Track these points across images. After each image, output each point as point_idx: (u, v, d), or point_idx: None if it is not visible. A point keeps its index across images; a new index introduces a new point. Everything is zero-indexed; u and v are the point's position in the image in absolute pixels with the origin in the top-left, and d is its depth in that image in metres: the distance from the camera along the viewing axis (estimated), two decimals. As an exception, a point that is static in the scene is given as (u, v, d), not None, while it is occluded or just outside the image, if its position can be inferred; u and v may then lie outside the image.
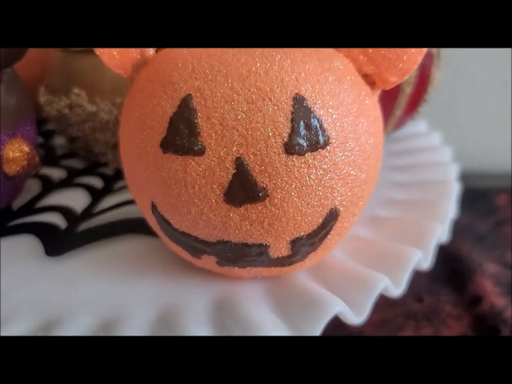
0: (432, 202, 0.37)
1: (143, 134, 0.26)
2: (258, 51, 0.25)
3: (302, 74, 0.25)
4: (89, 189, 0.42)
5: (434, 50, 0.44)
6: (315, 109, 0.24)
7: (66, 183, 0.43)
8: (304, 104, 0.24)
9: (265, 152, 0.24)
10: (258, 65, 0.24)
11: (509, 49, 0.76)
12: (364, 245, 0.34)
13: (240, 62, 0.25)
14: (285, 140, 0.24)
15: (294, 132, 0.24)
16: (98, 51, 0.27)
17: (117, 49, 0.27)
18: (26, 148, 0.34)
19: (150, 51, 0.28)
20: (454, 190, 0.39)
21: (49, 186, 0.42)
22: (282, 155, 0.24)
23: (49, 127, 0.53)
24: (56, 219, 0.37)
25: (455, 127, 0.82)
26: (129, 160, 0.28)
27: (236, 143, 0.24)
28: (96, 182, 0.43)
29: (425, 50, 0.27)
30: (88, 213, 0.38)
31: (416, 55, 0.27)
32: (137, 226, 0.35)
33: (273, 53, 0.25)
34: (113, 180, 0.43)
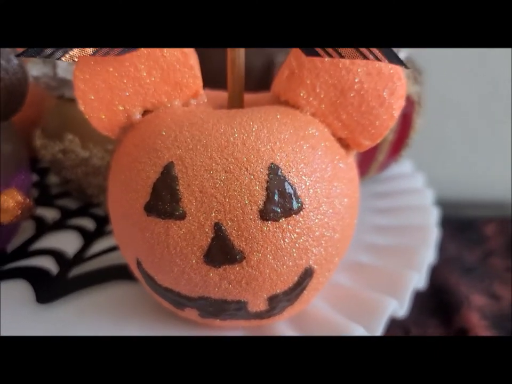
0: (411, 249, 0.39)
1: (129, 196, 0.28)
2: (237, 120, 0.27)
3: (277, 143, 0.26)
4: (81, 231, 0.43)
5: (416, 97, 0.46)
6: (289, 177, 0.26)
7: (60, 224, 0.45)
8: (279, 173, 0.26)
9: (242, 218, 0.25)
10: (236, 135, 0.26)
11: (497, 83, 0.79)
12: (343, 293, 0.35)
13: (219, 132, 0.26)
14: (260, 207, 0.25)
15: (269, 199, 0.25)
16: (87, 115, 0.29)
17: (105, 113, 0.29)
18: (20, 198, 0.36)
19: (137, 115, 0.29)
20: (433, 236, 0.41)
21: (43, 228, 0.44)
22: (258, 221, 0.25)
23: (44, 164, 0.54)
24: (49, 263, 0.39)
25: (445, 156, 0.84)
26: (116, 218, 0.29)
27: (215, 210, 0.25)
28: (89, 224, 0.45)
29: (396, 117, 0.29)
30: (79, 257, 0.39)
31: (387, 121, 0.29)
32: (125, 273, 0.36)
33: (251, 123, 0.27)
34: (105, 222, 0.45)
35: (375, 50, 0.24)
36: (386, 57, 0.24)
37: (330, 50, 0.25)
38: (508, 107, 0.79)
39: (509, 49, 0.75)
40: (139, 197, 0.27)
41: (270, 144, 0.26)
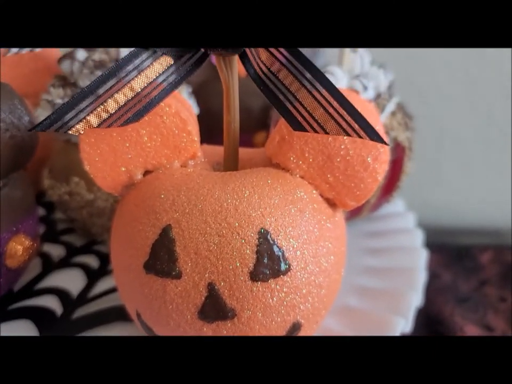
0: (399, 293, 0.40)
1: (129, 252, 0.30)
2: (230, 186, 0.29)
3: (267, 209, 0.28)
4: (85, 269, 0.45)
5: (406, 143, 0.48)
6: (278, 240, 0.28)
7: (65, 262, 0.47)
8: (268, 238, 0.28)
9: (233, 279, 0.27)
10: (229, 201, 0.28)
11: (491, 110, 0.80)
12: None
13: (214, 197, 0.28)
14: (251, 269, 0.27)
15: (258, 262, 0.27)
16: (92, 174, 0.31)
17: (109, 173, 0.31)
18: (28, 243, 0.38)
19: (138, 176, 0.31)
20: (421, 279, 0.42)
21: (48, 266, 0.46)
22: (248, 282, 0.27)
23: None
24: (53, 303, 0.41)
25: (441, 182, 0.85)
26: (117, 270, 0.32)
27: (208, 271, 0.27)
28: (93, 262, 0.47)
29: (380, 180, 0.31)
30: (83, 297, 0.41)
31: (372, 184, 0.31)
32: (127, 314, 0.38)
33: (243, 189, 0.29)
34: (108, 260, 0.47)
35: (357, 127, 0.26)
36: (367, 134, 0.26)
37: (316, 126, 0.27)
38: (504, 134, 0.81)
39: (503, 78, 0.78)
40: (139, 255, 0.29)
41: (260, 209, 0.28)
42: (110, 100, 0.28)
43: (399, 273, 0.43)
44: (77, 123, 0.27)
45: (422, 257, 0.45)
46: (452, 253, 0.76)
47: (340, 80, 0.46)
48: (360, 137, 0.26)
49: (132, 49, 0.28)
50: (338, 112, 0.27)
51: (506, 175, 0.83)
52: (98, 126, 0.28)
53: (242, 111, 0.32)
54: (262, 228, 0.28)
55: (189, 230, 0.28)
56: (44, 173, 0.50)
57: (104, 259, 0.47)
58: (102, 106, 0.27)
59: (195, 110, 0.49)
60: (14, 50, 0.41)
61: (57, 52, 0.53)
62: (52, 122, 0.27)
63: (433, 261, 0.73)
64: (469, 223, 0.85)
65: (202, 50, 0.29)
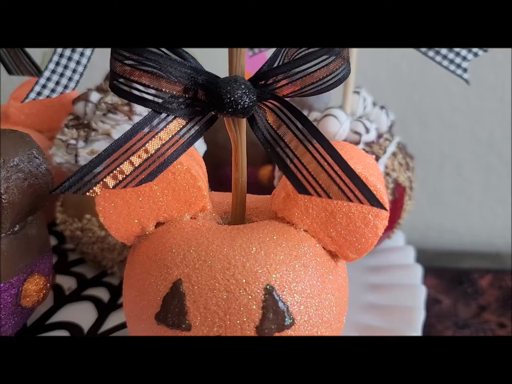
0: (397, 333, 0.42)
1: (141, 303, 0.31)
2: (238, 242, 0.31)
3: (273, 265, 0.30)
4: (96, 303, 0.47)
5: (407, 183, 0.50)
6: (282, 296, 0.29)
7: (76, 295, 0.48)
8: (273, 294, 0.29)
9: (240, 333, 0.29)
10: (237, 257, 0.30)
11: (491, 137, 0.82)
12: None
13: (222, 254, 0.30)
14: (257, 324, 0.29)
15: (264, 317, 0.29)
16: (107, 226, 0.33)
17: (122, 225, 0.33)
18: (42, 282, 0.40)
19: (150, 228, 0.33)
20: (420, 318, 0.44)
21: (60, 299, 0.48)
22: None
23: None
24: (66, 339, 0.42)
25: (442, 207, 0.87)
26: (130, 316, 0.33)
27: (217, 325, 0.29)
28: (103, 295, 0.48)
29: (380, 235, 0.33)
30: (94, 332, 0.43)
31: (372, 239, 0.32)
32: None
33: (250, 245, 0.30)
34: (118, 293, 0.48)
35: (358, 194, 0.28)
36: (368, 201, 0.28)
37: (319, 190, 0.29)
38: (504, 159, 0.83)
39: (503, 105, 0.79)
40: (150, 306, 0.31)
41: (266, 266, 0.30)
42: (125, 162, 0.29)
43: (399, 312, 0.45)
44: (94, 185, 0.29)
45: (421, 295, 0.47)
46: (452, 278, 0.77)
47: (343, 123, 0.47)
48: (361, 202, 0.28)
49: (147, 112, 0.30)
50: (341, 178, 0.28)
51: (506, 200, 0.84)
52: (114, 187, 0.29)
53: (249, 145, 0.33)
54: (267, 284, 0.29)
55: (198, 285, 0.29)
56: (56, 204, 0.52)
57: (114, 292, 0.49)
58: (118, 169, 0.29)
59: (203, 147, 0.51)
60: (32, 96, 0.43)
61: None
62: (71, 185, 0.29)
63: (433, 286, 0.74)
64: (469, 247, 0.86)
65: (212, 113, 0.31)
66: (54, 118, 0.54)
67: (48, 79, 0.43)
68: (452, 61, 0.45)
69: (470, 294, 0.75)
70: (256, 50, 0.50)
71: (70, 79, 0.43)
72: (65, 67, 0.43)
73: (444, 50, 0.44)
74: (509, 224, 0.84)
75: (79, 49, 0.43)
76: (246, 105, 0.29)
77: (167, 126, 0.30)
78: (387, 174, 0.48)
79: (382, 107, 0.51)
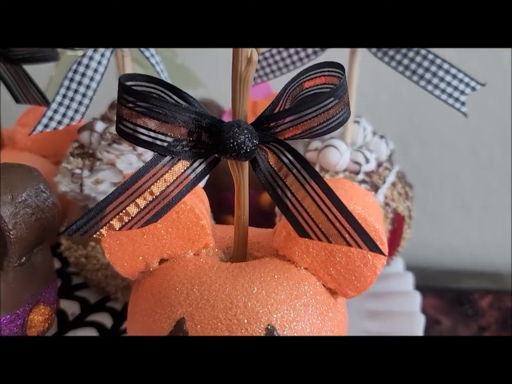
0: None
1: (146, 340, 0.32)
2: (240, 282, 0.31)
3: (274, 305, 0.31)
4: (99, 329, 0.48)
5: (406, 212, 0.50)
6: (283, 335, 0.30)
7: (79, 321, 0.49)
8: (275, 333, 0.30)
9: (241, 372, 0.30)
10: (239, 297, 0.31)
11: (491, 157, 0.83)
12: None
13: (225, 293, 0.31)
14: (258, 363, 0.30)
15: (265, 357, 0.30)
16: (112, 261, 0.34)
17: (127, 261, 0.34)
18: (47, 312, 0.41)
19: (154, 264, 0.34)
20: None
21: (64, 325, 0.48)
22: (255, 375, 0.30)
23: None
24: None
25: (442, 226, 0.87)
26: (133, 351, 0.34)
27: (219, 364, 0.30)
28: (106, 321, 0.49)
29: (379, 273, 0.33)
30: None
31: (371, 277, 0.33)
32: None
33: (252, 285, 0.31)
34: (121, 318, 0.49)
35: (358, 239, 0.29)
36: (367, 246, 0.29)
37: (319, 234, 0.29)
38: (504, 179, 0.83)
39: (502, 125, 0.80)
40: (154, 344, 0.31)
41: (268, 306, 0.30)
42: (131, 205, 0.30)
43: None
44: (101, 227, 0.30)
45: (420, 323, 0.48)
46: (452, 298, 0.78)
47: (343, 153, 0.48)
48: (360, 247, 0.29)
49: (152, 156, 0.31)
50: (340, 223, 0.29)
51: (506, 220, 0.85)
52: (121, 229, 0.30)
53: (252, 171, 0.33)
54: (269, 324, 0.30)
55: (201, 324, 0.30)
56: (60, 225, 0.52)
57: (117, 317, 0.50)
58: (124, 211, 0.30)
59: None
60: (39, 129, 0.44)
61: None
62: (78, 227, 0.29)
63: (433, 307, 0.75)
64: (469, 266, 0.87)
65: (216, 155, 0.32)
66: (59, 143, 0.55)
67: (55, 111, 0.44)
68: (450, 95, 0.46)
69: (470, 315, 0.75)
70: (258, 80, 0.51)
71: (76, 111, 0.44)
72: (72, 99, 0.44)
73: (442, 85, 0.45)
74: (509, 243, 0.84)
75: (85, 82, 0.44)
76: (248, 150, 0.30)
77: (172, 168, 0.31)
78: (386, 204, 0.48)
79: (382, 136, 0.52)
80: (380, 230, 0.32)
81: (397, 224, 0.49)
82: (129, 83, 0.31)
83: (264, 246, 0.36)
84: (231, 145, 0.30)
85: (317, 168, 0.50)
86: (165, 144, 0.31)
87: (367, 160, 0.49)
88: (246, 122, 0.31)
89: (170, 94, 0.32)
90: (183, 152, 0.31)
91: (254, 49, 0.31)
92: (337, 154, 0.48)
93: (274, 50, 0.49)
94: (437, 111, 0.82)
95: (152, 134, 0.30)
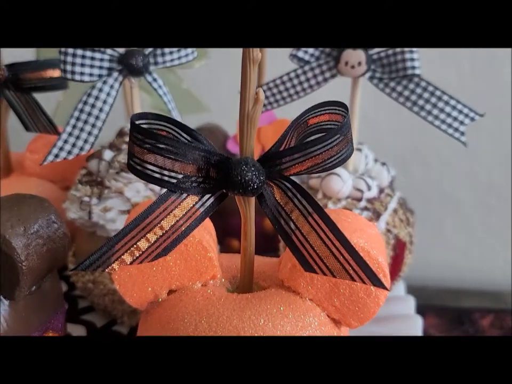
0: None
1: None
2: (247, 314, 0.32)
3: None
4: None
5: (407, 238, 0.51)
6: (289, 367, 0.31)
7: (86, 346, 0.50)
8: (280, 365, 0.31)
9: (248, 404, 0.30)
10: (246, 329, 0.31)
11: (490, 177, 0.84)
12: None
13: (232, 325, 0.32)
14: (264, 395, 0.30)
15: (271, 389, 0.30)
16: (121, 292, 0.35)
17: (136, 292, 0.35)
18: (56, 339, 0.41)
19: (163, 295, 0.35)
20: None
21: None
22: (262, 406, 0.31)
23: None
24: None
25: (443, 245, 0.88)
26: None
27: (226, 395, 0.31)
28: (112, 345, 0.50)
29: (381, 304, 0.34)
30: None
31: (374, 308, 0.34)
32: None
33: (259, 317, 0.32)
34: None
35: (362, 274, 0.30)
36: (371, 281, 0.30)
37: (324, 269, 0.30)
38: (503, 199, 0.84)
39: (502, 147, 0.81)
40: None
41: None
42: (142, 240, 0.31)
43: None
44: (113, 262, 0.31)
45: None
46: (453, 317, 0.78)
47: (346, 181, 0.49)
48: (364, 282, 0.30)
49: (163, 192, 0.32)
50: (345, 258, 0.30)
51: (507, 239, 0.85)
52: (131, 263, 0.31)
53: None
54: (275, 356, 0.31)
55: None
56: (68, 253, 0.53)
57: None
58: (135, 246, 0.31)
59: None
60: (50, 159, 0.45)
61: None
62: (91, 263, 0.30)
63: (434, 326, 0.75)
64: (470, 285, 0.87)
65: (224, 191, 0.33)
66: (67, 169, 0.56)
67: (65, 141, 0.45)
68: (450, 125, 0.47)
69: (471, 334, 0.75)
70: (263, 109, 0.53)
71: (85, 141, 0.45)
72: (82, 130, 0.46)
73: (442, 115, 0.47)
74: (509, 262, 0.85)
75: (95, 113, 0.46)
76: (255, 186, 0.31)
77: (181, 203, 0.32)
78: (388, 230, 0.49)
79: (383, 163, 0.54)
80: (382, 263, 0.33)
81: (398, 250, 0.50)
82: (140, 121, 0.32)
83: (269, 276, 0.37)
84: (239, 182, 0.31)
85: (320, 195, 0.51)
86: (175, 180, 0.32)
87: (369, 187, 0.50)
88: (253, 159, 0.32)
89: (179, 131, 0.33)
90: (192, 188, 0.32)
91: (260, 89, 0.32)
92: (339, 182, 0.49)
93: (278, 81, 0.50)
94: (437, 133, 0.83)
95: (161, 171, 0.31)
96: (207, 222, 0.39)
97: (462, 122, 0.47)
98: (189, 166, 0.32)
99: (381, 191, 0.52)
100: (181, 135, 0.33)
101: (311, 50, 0.49)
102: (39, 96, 0.54)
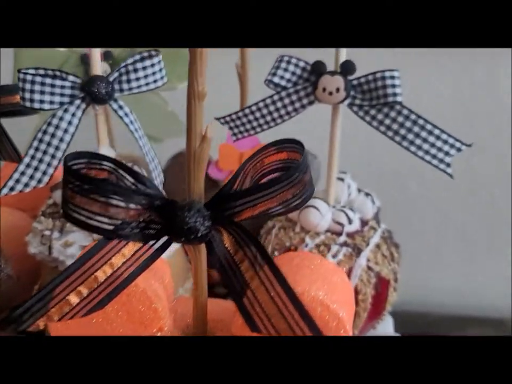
0: None
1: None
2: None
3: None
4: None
5: (391, 275, 0.48)
6: None
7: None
8: None
9: None
10: None
11: (492, 198, 0.81)
12: None
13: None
14: None
15: None
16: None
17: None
18: None
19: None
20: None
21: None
22: None
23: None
24: None
25: (445, 269, 0.84)
26: None
27: None
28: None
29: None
30: None
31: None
32: None
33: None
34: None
35: (306, 330, 0.27)
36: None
37: (270, 328, 0.27)
38: (506, 222, 0.80)
39: (503, 168, 0.78)
40: None
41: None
42: (72, 293, 0.28)
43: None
44: (38, 319, 0.28)
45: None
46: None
47: (324, 214, 0.46)
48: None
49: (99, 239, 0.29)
50: (293, 317, 0.27)
51: (508, 263, 0.81)
52: (60, 320, 0.28)
53: None
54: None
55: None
56: (34, 287, 0.51)
57: None
58: (64, 300, 0.28)
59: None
60: (4, 191, 0.42)
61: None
62: (14, 319, 0.28)
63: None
64: (473, 311, 0.83)
65: (167, 237, 0.30)
66: (37, 197, 0.53)
67: (23, 173, 0.43)
68: (434, 156, 0.44)
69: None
70: (240, 135, 0.50)
71: (44, 173, 0.43)
72: (41, 161, 0.43)
73: (425, 145, 0.43)
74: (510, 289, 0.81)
75: (54, 143, 0.43)
76: (199, 234, 0.28)
77: (120, 251, 0.29)
78: (369, 268, 0.46)
79: (367, 194, 0.50)
80: (343, 318, 0.30)
81: (381, 289, 0.47)
82: (76, 162, 0.29)
83: (227, 325, 0.34)
84: (182, 229, 0.28)
85: (298, 228, 0.48)
86: (112, 227, 0.29)
87: (350, 221, 0.47)
88: (199, 203, 0.29)
89: (122, 172, 0.30)
90: (133, 235, 0.29)
91: (209, 125, 0.30)
92: (317, 215, 0.46)
93: (254, 107, 0.47)
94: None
95: (98, 218, 0.29)
96: (161, 266, 0.36)
97: (447, 153, 0.43)
98: (129, 211, 0.29)
99: (365, 223, 0.49)
100: (123, 176, 0.30)
101: (287, 75, 0.46)
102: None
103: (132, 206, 0.29)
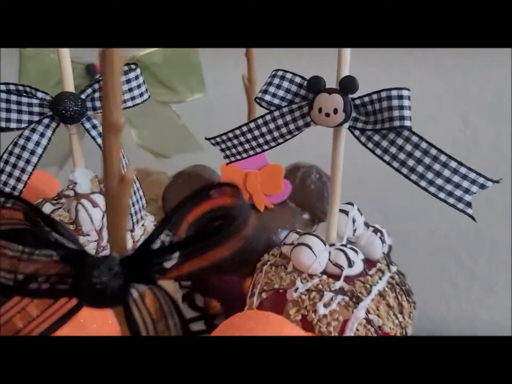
0: None
1: None
2: None
3: None
4: None
5: (398, 330, 0.40)
6: None
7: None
8: None
9: None
10: None
11: (494, 227, 0.74)
12: None
13: None
14: None
15: None
16: None
17: None
18: None
19: None
20: None
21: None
22: None
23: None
24: None
25: (445, 295, 0.79)
26: None
27: None
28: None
29: None
30: None
31: None
32: None
33: None
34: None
35: None
36: None
37: None
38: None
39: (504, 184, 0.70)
40: None
41: None
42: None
43: None
44: None
45: None
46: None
47: (319, 254, 0.40)
48: None
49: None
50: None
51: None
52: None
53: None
54: None
55: None
56: None
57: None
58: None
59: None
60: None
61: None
62: None
63: None
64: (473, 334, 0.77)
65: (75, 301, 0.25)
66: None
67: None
68: (450, 194, 0.36)
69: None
70: (232, 158, 0.44)
71: (13, 188, 0.40)
72: (5, 184, 0.40)
73: (439, 181, 0.36)
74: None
75: (21, 165, 0.40)
76: (112, 296, 0.23)
77: (24, 310, 0.25)
78: (368, 321, 0.39)
79: (377, 230, 0.43)
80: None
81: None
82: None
83: None
84: (88, 289, 0.23)
85: (290, 267, 0.41)
86: (10, 283, 0.24)
87: (351, 263, 0.40)
88: (114, 258, 0.24)
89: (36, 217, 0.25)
90: (40, 292, 0.25)
91: (130, 167, 0.24)
92: (310, 255, 0.39)
93: (244, 128, 0.42)
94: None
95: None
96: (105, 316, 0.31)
97: (467, 190, 0.36)
98: (32, 264, 0.24)
99: (371, 265, 0.42)
100: (35, 221, 0.25)
101: (280, 93, 0.40)
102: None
103: (38, 256, 0.24)
